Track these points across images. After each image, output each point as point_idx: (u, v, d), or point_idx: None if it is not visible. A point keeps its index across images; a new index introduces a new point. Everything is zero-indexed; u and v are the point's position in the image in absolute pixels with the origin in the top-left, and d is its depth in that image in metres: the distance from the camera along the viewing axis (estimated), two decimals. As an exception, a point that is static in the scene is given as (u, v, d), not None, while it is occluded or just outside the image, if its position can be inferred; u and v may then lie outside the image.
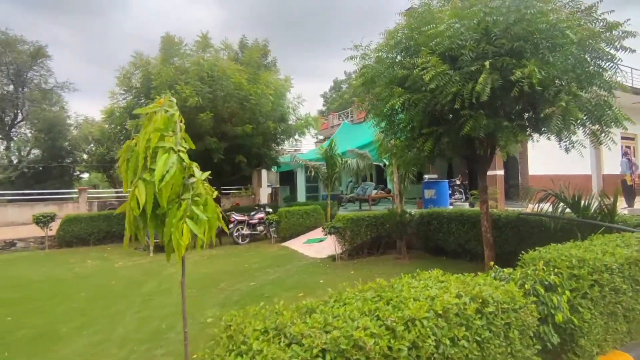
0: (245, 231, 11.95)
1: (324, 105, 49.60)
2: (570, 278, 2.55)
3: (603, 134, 5.36)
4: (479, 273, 2.44)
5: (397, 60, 5.60)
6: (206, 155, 12.23)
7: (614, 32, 4.78)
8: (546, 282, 2.39)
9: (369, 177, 20.75)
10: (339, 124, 21.87)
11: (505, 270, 2.64)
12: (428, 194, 9.28)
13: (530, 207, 6.34)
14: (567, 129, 4.17)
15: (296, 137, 14.82)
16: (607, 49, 4.62)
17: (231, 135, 12.25)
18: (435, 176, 14.09)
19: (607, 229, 4.35)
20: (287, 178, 20.93)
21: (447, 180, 10.22)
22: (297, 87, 51.99)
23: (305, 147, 27.14)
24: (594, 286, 2.52)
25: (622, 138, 15.81)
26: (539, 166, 12.26)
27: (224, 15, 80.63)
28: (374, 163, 12.30)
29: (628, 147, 16.11)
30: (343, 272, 7.31)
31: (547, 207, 5.94)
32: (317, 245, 9.64)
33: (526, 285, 2.35)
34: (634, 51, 4.84)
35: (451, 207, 9.14)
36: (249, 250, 10.56)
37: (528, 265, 2.82)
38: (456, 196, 12.76)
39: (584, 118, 4.69)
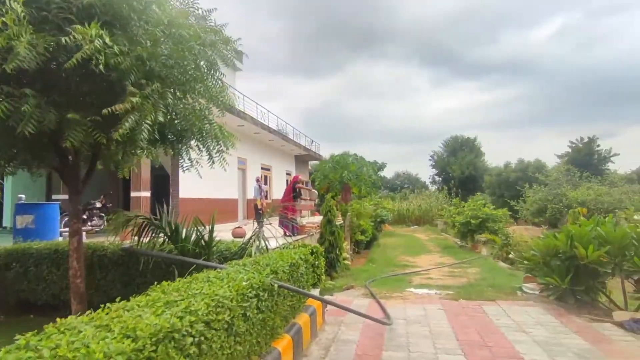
0: None
1: None
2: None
3: (218, 154, 4.92)
4: None
5: None
6: None
7: (227, 46, 4.45)
8: None
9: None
10: None
11: None
12: (22, 221, 6.36)
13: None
14: (139, 134, 3.08)
15: None
16: (216, 58, 4.12)
17: None
18: (66, 197, 10.98)
19: (204, 264, 3.61)
20: None
21: (57, 202, 7.60)
22: None
23: None
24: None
25: (262, 168, 18.73)
26: (191, 189, 11.93)
27: None
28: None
29: (266, 175, 19.29)
30: None
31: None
32: None
33: None
34: (240, 70, 4.66)
35: (61, 239, 6.69)
36: None
37: None
38: (94, 222, 10.27)
39: (176, 123, 3.88)
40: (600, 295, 5.58)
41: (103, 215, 10.42)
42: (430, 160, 49.95)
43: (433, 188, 44.17)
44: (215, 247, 4.35)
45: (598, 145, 34.37)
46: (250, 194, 16.82)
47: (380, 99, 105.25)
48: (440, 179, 47.28)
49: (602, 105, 74.77)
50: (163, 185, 17.18)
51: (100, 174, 13.19)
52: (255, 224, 12.08)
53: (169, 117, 3.50)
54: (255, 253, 4.00)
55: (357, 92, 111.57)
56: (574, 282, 5.39)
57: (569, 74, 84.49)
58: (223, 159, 4.88)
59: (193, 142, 4.45)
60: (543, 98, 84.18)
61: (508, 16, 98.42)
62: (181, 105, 3.78)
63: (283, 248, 4.75)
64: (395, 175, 60.78)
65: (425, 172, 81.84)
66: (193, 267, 3.32)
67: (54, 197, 10.82)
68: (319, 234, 8.95)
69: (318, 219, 17.51)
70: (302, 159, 25.27)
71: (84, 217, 9.91)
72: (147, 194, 10.09)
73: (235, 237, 9.19)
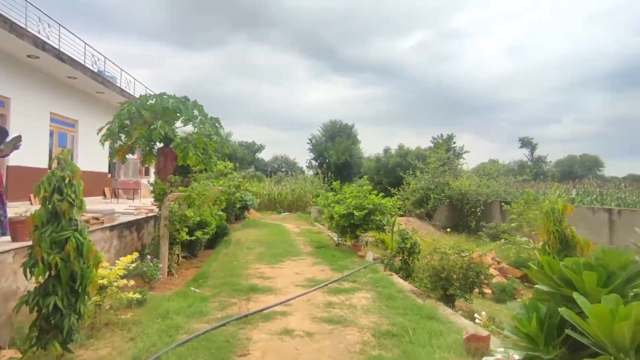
0: None
1: None
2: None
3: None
4: None
5: None
6: None
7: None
8: None
9: None
10: None
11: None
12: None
13: None
14: None
15: None
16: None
17: None
18: None
19: None
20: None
21: None
22: None
23: None
24: None
25: (55, 121, 11.76)
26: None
27: None
28: None
29: (72, 134, 12.28)
30: None
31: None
32: None
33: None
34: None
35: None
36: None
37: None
38: None
39: None
40: None
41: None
42: (308, 143, 47.20)
43: (310, 173, 41.30)
44: None
45: (454, 143, 36.46)
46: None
47: (260, 82, 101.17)
48: (317, 163, 44.93)
49: (447, 112, 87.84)
50: None
51: None
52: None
53: None
54: None
55: (237, 71, 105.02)
56: None
57: (425, 82, 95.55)
58: None
59: None
60: (404, 100, 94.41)
61: (378, 23, 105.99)
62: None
63: None
64: (273, 159, 57.06)
65: (304, 158, 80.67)
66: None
67: None
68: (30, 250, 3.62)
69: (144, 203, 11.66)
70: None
71: None
72: None
73: None
